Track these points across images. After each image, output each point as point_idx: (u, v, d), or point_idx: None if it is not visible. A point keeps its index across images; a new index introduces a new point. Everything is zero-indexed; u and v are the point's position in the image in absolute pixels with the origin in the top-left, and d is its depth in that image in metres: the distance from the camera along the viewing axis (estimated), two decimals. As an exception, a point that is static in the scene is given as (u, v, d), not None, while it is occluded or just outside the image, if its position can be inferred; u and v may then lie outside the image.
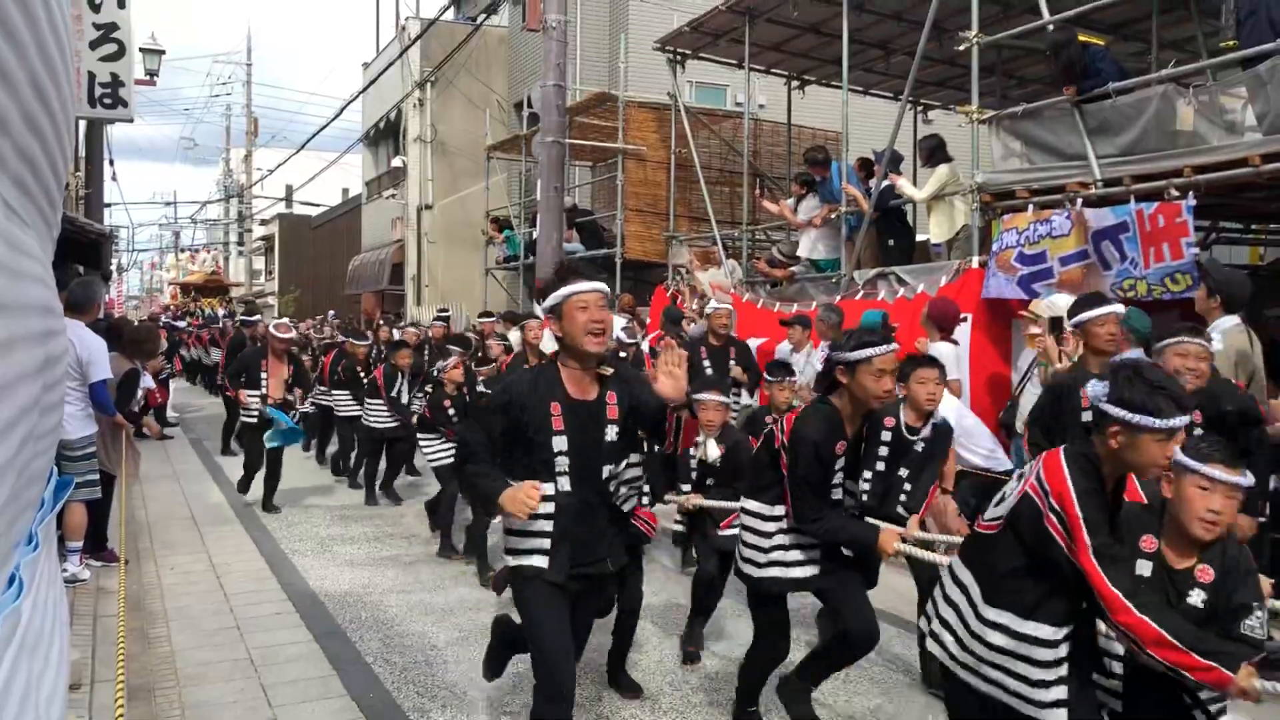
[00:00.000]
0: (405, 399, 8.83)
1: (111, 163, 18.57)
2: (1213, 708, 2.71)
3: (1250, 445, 4.18)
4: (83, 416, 5.70)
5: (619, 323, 9.16)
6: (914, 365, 4.43)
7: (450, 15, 19.84)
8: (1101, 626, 2.70)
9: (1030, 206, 7.08)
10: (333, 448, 10.74)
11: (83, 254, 9.97)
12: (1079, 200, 6.69)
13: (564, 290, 3.12)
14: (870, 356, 3.34)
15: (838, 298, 8.62)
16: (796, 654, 4.30)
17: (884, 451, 4.10)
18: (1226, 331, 4.89)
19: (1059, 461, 2.51)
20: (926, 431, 4.42)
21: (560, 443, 3.13)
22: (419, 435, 7.58)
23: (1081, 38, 7.36)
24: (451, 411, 7.15)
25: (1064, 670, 2.55)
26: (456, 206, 20.19)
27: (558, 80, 10.42)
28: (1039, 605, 2.56)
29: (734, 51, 11.32)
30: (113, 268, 22.28)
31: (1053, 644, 2.55)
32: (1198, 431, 4.30)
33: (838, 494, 3.54)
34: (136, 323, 10.81)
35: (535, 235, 11.78)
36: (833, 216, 9.41)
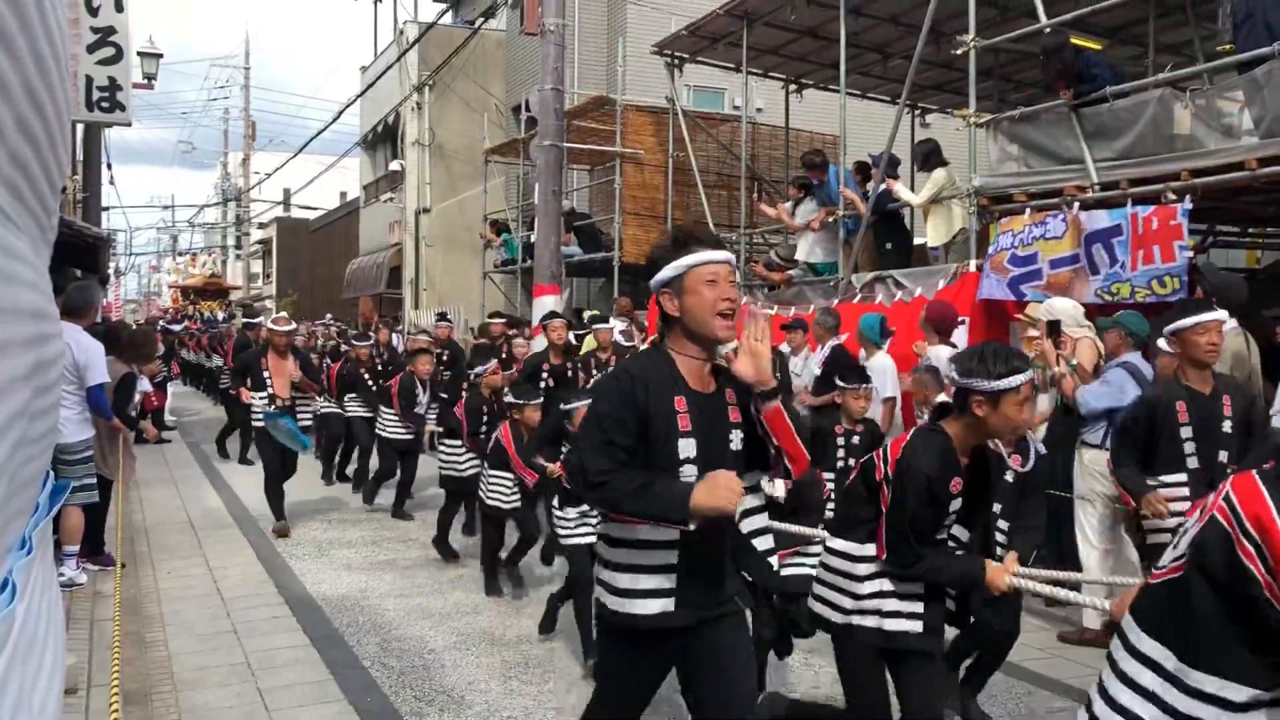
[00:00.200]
0: (422, 409, 8.41)
1: (109, 166, 18.59)
2: None
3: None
4: (80, 420, 5.70)
5: (618, 326, 9.23)
6: None
7: (448, 19, 19.89)
8: None
9: (1027, 210, 7.10)
10: (352, 464, 10.05)
11: (80, 258, 10.00)
12: (1076, 204, 6.71)
13: (686, 260, 2.52)
14: (1018, 385, 2.82)
15: (835, 301, 8.63)
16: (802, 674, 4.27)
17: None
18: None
19: (1254, 482, 1.96)
20: (1016, 458, 3.89)
21: (688, 447, 2.50)
22: (441, 443, 7.26)
23: (1077, 42, 7.39)
24: (485, 418, 6.87)
25: None
26: (454, 210, 20.21)
27: (555, 84, 10.43)
28: (1244, 666, 1.95)
29: (732, 55, 11.35)
30: (110, 271, 22.27)
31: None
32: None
33: (941, 535, 3.01)
34: (134, 326, 10.81)
35: (533, 239, 11.78)
36: (830, 220, 9.43)
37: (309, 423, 8.39)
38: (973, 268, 7.44)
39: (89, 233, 9.80)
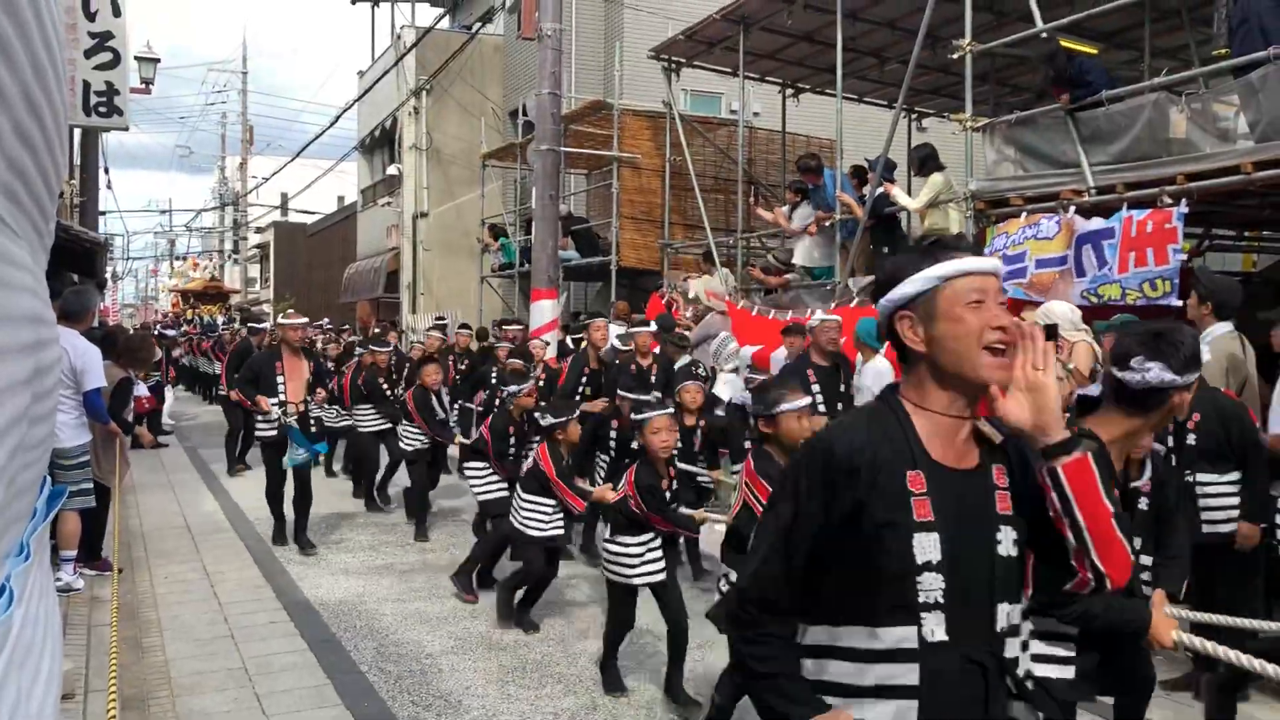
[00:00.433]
0: (444, 414, 8.14)
1: (106, 171, 18.65)
2: None
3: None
4: (77, 425, 5.70)
5: (614, 331, 9.21)
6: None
7: (446, 24, 19.90)
8: None
9: (1024, 214, 7.11)
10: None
11: (77, 262, 9.98)
12: (1072, 208, 6.72)
13: (938, 269, 1.72)
14: (1190, 383, 2.37)
15: (833, 305, 8.64)
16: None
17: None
18: (1218, 338, 4.90)
19: None
20: (1144, 482, 3.01)
21: (928, 547, 1.65)
22: (466, 465, 6.91)
23: (1072, 46, 7.41)
24: (513, 441, 6.47)
25: None
26: (452, 214, 20.21)
27: (553, 88, 10.45)
28: None
29: (728, 60, 11.37)
30: (107, 276, 22.26)
31: None
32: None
33: None
34: (131, 331, 10.78)
35: (530, 243, 11.79)
36: (827, 224, 9.44)
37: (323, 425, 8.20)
38: (970, 271, 7.44)
39: (86, 237, 9.78)
